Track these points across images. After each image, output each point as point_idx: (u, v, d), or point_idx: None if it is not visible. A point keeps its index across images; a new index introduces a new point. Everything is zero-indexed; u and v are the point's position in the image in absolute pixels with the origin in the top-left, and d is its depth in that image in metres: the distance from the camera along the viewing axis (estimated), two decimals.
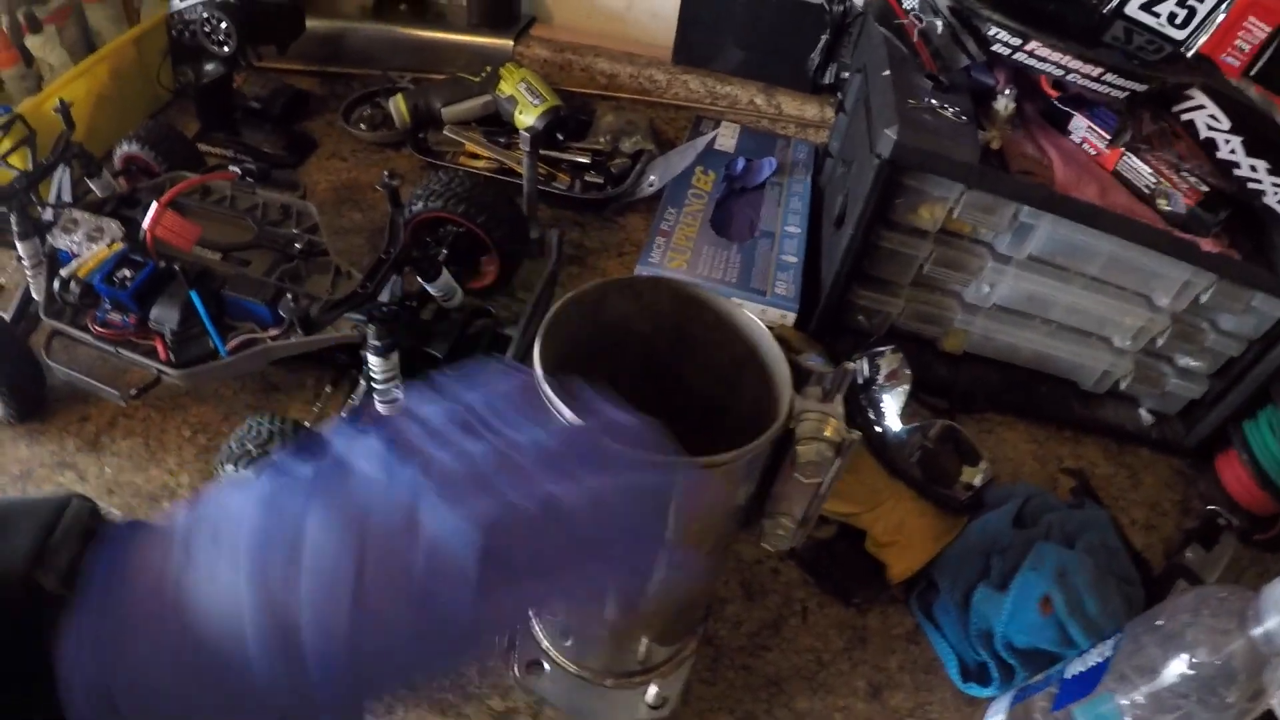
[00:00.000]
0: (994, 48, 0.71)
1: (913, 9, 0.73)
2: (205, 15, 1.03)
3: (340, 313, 0.79)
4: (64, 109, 0.95)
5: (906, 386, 0.83)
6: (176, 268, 0.84)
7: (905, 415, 0.87)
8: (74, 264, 0.86)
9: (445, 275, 0.86)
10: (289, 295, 0.78)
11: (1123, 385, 0.93)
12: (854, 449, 0.49)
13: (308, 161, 1.22)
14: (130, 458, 0.86)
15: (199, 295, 0.81)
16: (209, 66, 1.13)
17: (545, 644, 0.68)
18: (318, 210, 0.93)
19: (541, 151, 1.13)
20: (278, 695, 0.28)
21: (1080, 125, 0.82)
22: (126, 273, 0.84)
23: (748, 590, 0.77)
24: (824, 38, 0.98)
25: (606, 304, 0.56)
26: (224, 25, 1.04)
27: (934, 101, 0.76)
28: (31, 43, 1.09)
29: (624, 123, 1.17)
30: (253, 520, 0.29)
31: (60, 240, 0.88)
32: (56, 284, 0.86)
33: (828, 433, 0.48)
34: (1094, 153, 0.81)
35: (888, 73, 0.79)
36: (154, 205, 0.86)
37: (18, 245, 0.89)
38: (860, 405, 0.85)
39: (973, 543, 0.76)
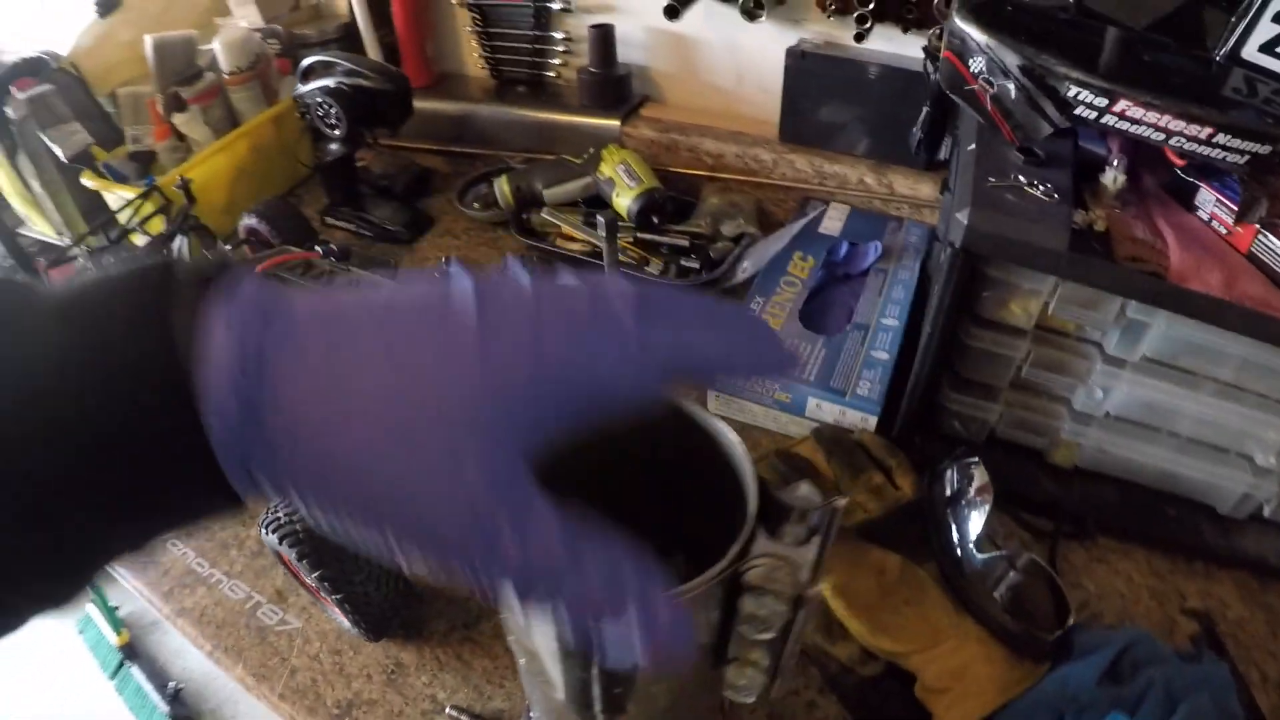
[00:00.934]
0: (1077, 111, 0.61)
1: (980, 73, 0.64)
2: (319, 100, 1.09)
3: None
4: (184, 184, 1.02)
5: (989, 503, 0.73)
6: None
7: (995, 538, 0.78)
8: None
9: None
10: None
11: (1267, 510, 0.78)
12: (816, 602, 0.42)
13: (424, 238, 1.25)
14: None
15: None
16: (332, 146, 1.19)
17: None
18: None
19: (639, 235, 1.10)
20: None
21: (1208, 199, 0.68)
22: None
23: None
24: (925, 108, 0.90)
25: None
26: (334, 110, 1.09)
27: (1021, 179, 0.67)
28: (178, 120, 1.18)
29: (728, 204, 1.13)
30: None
31: None
32: None
33: (779, 585, 0.41)
34: (1224, 231, 0.69)
35: (973, 147, 0.71)
36: None
37: None
38: (943, 523, 0.76)
39: (1045, 698, 0.65)
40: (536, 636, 0.47)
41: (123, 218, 1.11)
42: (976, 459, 0.77)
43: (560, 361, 0.28)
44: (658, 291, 0.31)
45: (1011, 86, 0.60)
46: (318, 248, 0.96)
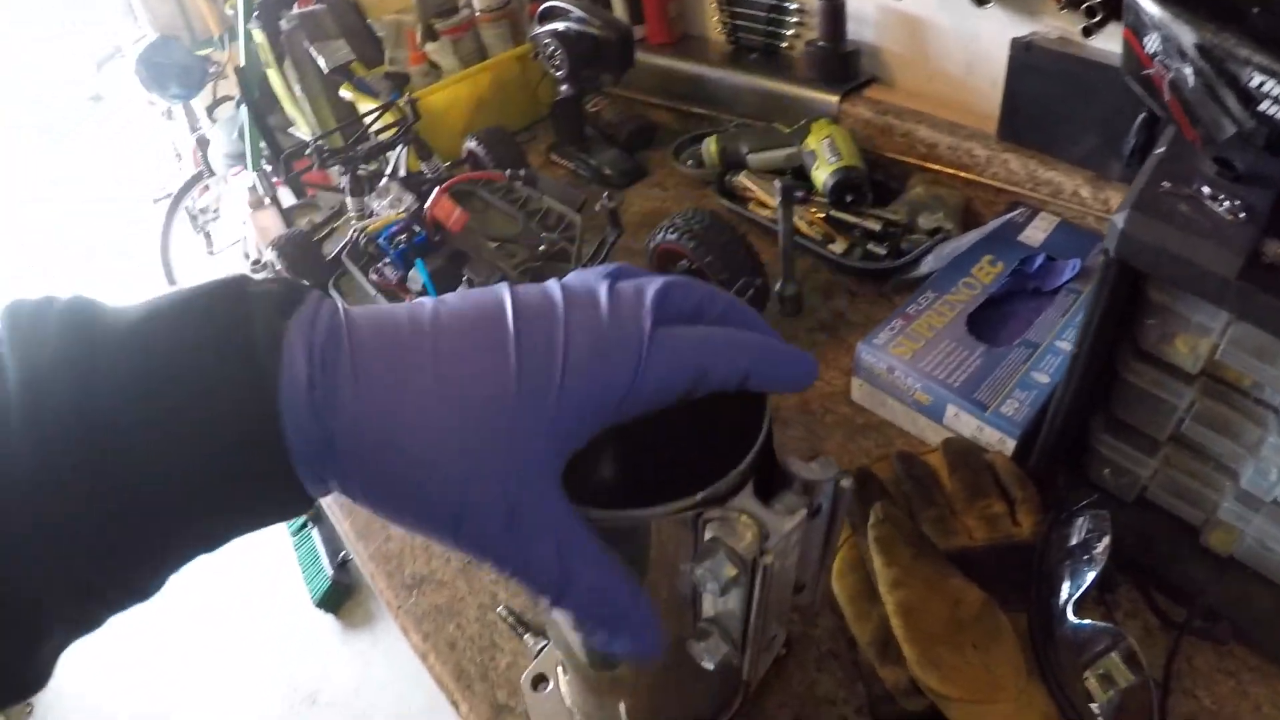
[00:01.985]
0: (1262, 106, 0.51)
1: (1156, 53, 0.55)
2: (547, 41, 1.14)
3: None
4: (412, 103, 1.11)
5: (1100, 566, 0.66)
6: (437, 239, 0.94)
7: (1109, 608, 0.69)
8: (369, 221, 1.00)
9: None
10: (468, 279, 0.83)
11: None
12: (777, 574, 0.39)
13: (634, 186, 1.29)
14: None
15: (426, 266, 0.89)
16: (563, 88, 1.24)
17: (558, 668, 0.65)
18: (612, 228, 0.98)
19: (832, 213, 1.08)
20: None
21: None
22: (403, 237, 0.96)
23: None
24: (1142, 114, 0.79)
25: None
26: (558, 52, 1.14)
27: (1205, 190, 0.58)
28: (431, 49, 1.28)
29: (932, 197, 1.07)
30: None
31: (374, 202, 1.03)
32: (354, 233, 1.00)
33: (735, 540, 0.39)
34: None
35: (1162, 149, 0.62)
36: (435, 190, 0.97)
37: (349, 199, 1.06)
38: (1052, 574, 0.69)
39: None
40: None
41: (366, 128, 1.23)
42: (1107, 513, 0.69)
43: (585, 374, 0.32)
44: (681, 296, 0.35)
45: (1189, 72, 0.52)
46: (508, 172, 1.01)
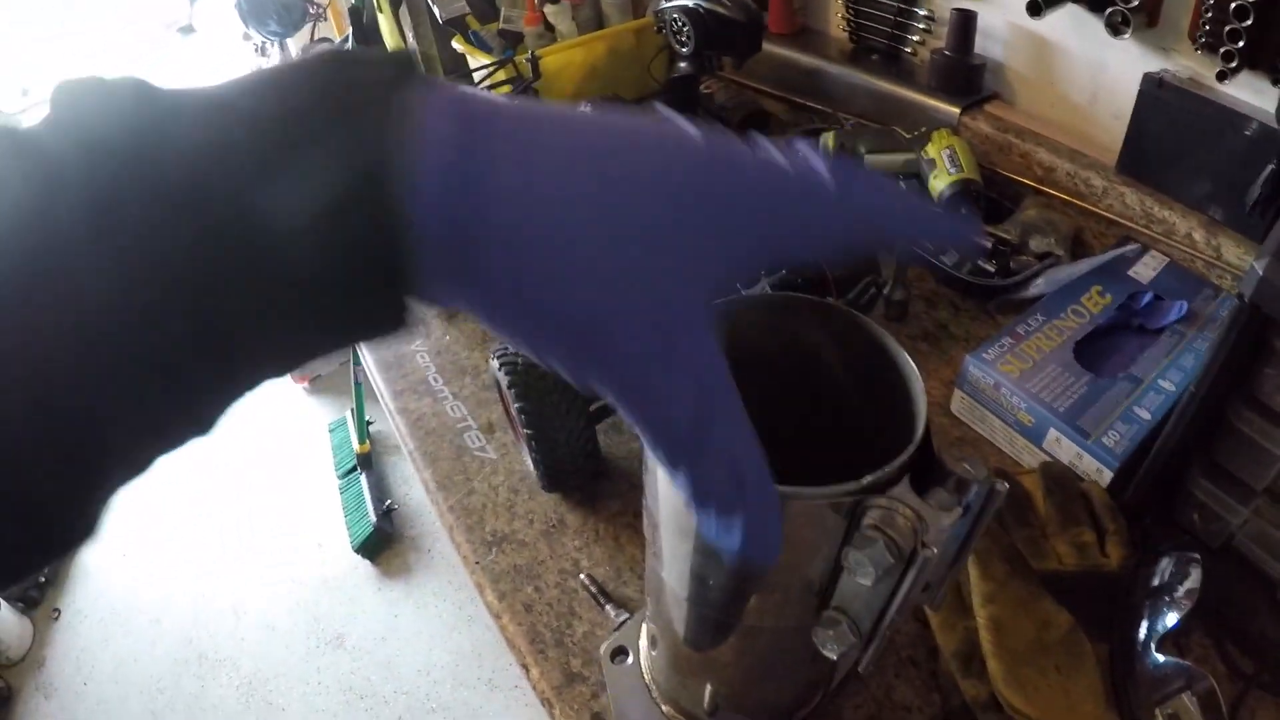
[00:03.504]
0: None
1: None
2: (675, 16, 1.14)
3: None
4: (533, 60, 1.11)
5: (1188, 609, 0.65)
6: None
7: (1183, 649, 0.69)
8: None
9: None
10: None
11: None
12: (933, 569, 0.40)
13: None
14: (465, 337, 0.99)
15: None
16: (681, 64, 1.24)
17: (642, 641, 0.66)
18: None
19: None
20: None
21: None
22: None
23: None
24: (1271, 166, 0.78)
25: (793, 320, 0.52)
26: (686, 27, 1.14)
27: None
28: (549, 11, 1.28)
29: (1045, 221, 1.06)
30: None
31: None
32: None
33: (894, 533, 0.39)
34: None
35: None
36: None
37: None
38: (1135, 610, 0.69)
39: None
40: (662, 509, 0.49)
41: (477, 81, 1.24)
42: (1198, 556, 0.68)
43: (770, 196, 0.29)
44: (859, 170, 0.31)
45: None
46: None
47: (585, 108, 0.28)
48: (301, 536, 2.37)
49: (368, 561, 2.25)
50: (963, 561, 0.48)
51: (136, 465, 0.25)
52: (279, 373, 0.26)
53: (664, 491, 0.47)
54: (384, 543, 2.26)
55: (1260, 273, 0.56)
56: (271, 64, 0.26)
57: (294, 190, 0.22)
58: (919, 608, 0.62)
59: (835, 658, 0.46)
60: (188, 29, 4.62)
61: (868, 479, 0.40)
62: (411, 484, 2.36)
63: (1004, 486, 0.43)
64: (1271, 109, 0.89)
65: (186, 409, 0.25)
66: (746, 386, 0.52)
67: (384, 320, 0.26)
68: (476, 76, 1.23)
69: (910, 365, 0.47)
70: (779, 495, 0.40)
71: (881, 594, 0.43)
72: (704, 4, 1.13)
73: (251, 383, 0.26)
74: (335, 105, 0.23)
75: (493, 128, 0.25)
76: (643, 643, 0.66)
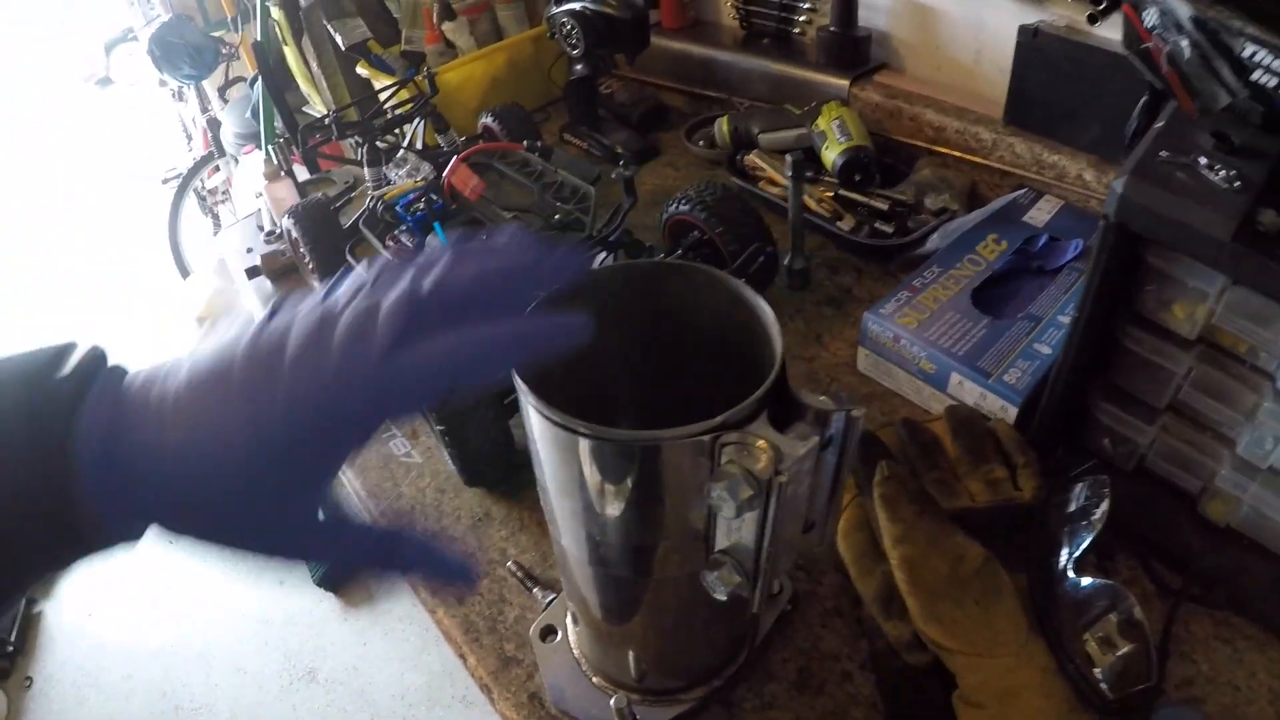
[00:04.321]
0: (1255, 76, 0.53)
1: (1155, 27, 0.57)
2: (564, 20, 1.16)
3: None
4: (429, 76, 1.12)
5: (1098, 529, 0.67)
6: (454, 207, 0.96)
7: (1107, 570, 0.71)
8: (386, 189, 1.02)
9: None
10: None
11: None
12: (789, 500, 0.41)
13: (646, 165, 1.31)
14: None
15: (444, 231, 0.91)
16: (577, 67, 1.26)
17: (567, 619, 0.67)
18: (628, 195, 0.98)
19: (840, 192, 1.10)
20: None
21: None
22: (419, 205, 0.98)
23: (802, 677, 0.67)
24: (1144, 97, 0.81)
25: (661, 283, 0.54)
26: (574, 30, 1.16)
27: (1202, 160, 0.59)
28: (447, 28, 1.30)
29: (939, 179, 1.09)
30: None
31: (391, 172, 1.05)
32: (371, 201, 1.02)
33: (751, 463, 0.41)
34: None
35: (1162, 123, 0.64)
36: (453, 159, 0.99)
37: (366, 170, 1.08)
38: (1053, 538, 0.70)
39: None
40: (546, 472, 0.50)
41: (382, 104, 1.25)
42: (1108, 479, 0.71)
43: (312, 400, 0.33)
44: (442, 292, 0.35)
45: (1185, 44, 0.54)
46: (525, 143, 1.03)
47: (204, 351, 0.35)
48: (261, 577, 2.35)
49: (331, 594, 2.25)
50: (839, 494, 0.50)
51: None
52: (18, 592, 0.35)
53: (545, 456, 0.48)
54: (344, 574, 2.26)
55: (1120, 191, 0.58)
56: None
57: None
58: (817, 547, 0.63)
59: (724, 598, 0.47)
60: (105, 80, 4.57)
61: (720, 417, 0.41)
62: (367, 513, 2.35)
63: (859, 413, 0.45)
64: None
65: None
66: (621, 354, 0.54)
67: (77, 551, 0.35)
68: (382, 97, 1.25)
69: (764, 307, 0.48)
70: (642, 439, 0.41)
71: (753, 529, 0.44)
72: (590, 5, 1.15)
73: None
74: (24, 434, 0.32)
75: (127, 440, 0.33)
76: (568, 620, 0.68)
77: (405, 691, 2.02)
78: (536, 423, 0.45)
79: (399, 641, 2.13)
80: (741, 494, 0.40)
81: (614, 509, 0.47)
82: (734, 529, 0.45)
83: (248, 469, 0.33)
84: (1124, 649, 0.62)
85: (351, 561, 0.40)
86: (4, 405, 0.33)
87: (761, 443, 0.41)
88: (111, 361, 0.36)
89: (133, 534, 0.35)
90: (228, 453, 0.32)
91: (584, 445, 0.43)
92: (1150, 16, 0.55)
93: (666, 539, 0.49)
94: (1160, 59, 0.56)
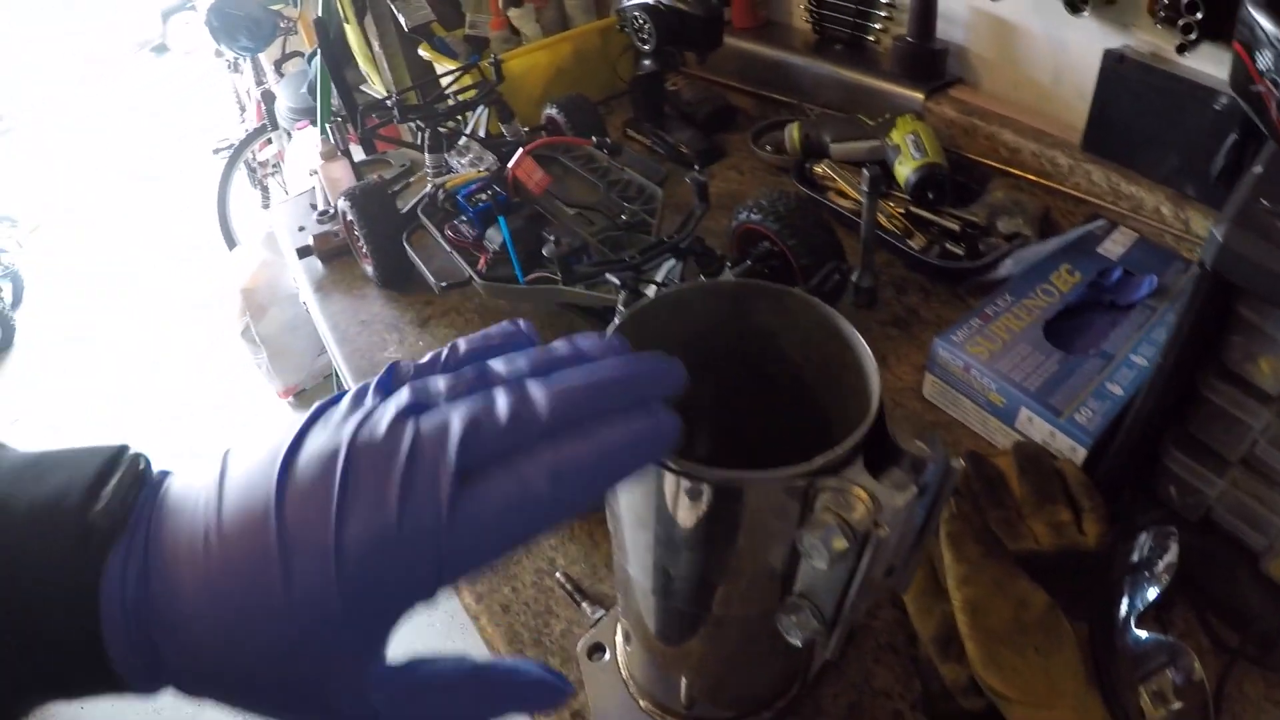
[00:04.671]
0: None
1: (1268, 71, 0.54)
2: (635, 14, 1.14)
3: (600, 271, 0.82)
4: (496, 63, 1.11)
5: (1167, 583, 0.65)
6: (517, 200, 0.94)
7: (1166, 625, 0.69)
8: (448, 177, 1.01)
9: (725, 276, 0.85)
10: (555, 239, 0.83)
11: None
12: (882, 551, 0.39)
13: (710, 167, 1.29)
14: (440, 343, 0.99)
15: (507, 225, 0.89)
16: (645, 62, 1.24)
17: (618, 638, 0.66)
18: (700, 202, 0.95)
19: (912, 209, 1.07)
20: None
21: None
22: (482, 196, 0.97)
23: (853, 713, 0.65)
24: (1232, 136, 0.78)
25: (748, 307, 0.52)
26: (646, 25, 1.14)
27: None
28: (513, 15, 1.28)
29: (1012, 202, 1.06)
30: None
31: (453, 159, 1.03)
32: (432, 188, 1.01)
33: (852, 514, 0.39)
34: None
35: (1260, 168, 0.61)
36: (519, 150, 0.97)
37: (426, 156, 1.07)
38: (1115, 587, 0.68)
39: None
40: (620, 501, 0.49)
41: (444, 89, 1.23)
42: (1175, 530, 0.68)
43: (368, 579, 0.29)
44: (495, 430, 0.29)
45: None
46: (594, 139, 1.01)
47: (234, 482, 0.31)
48: None
49: None
50: (924, 542, 0.48)
51: None
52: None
53: (620, 485, 0.47)
54: None
55: (1220, 239, 0.56)
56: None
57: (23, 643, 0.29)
58: (890, 593, 0.61)
59: (799, 644, 0.45)
60: (161, 48, 4.61)
61: (818, 461, 0.39)
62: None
63: (959, 464, 0.43)
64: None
65: None
66: (702, 375, 0.52)
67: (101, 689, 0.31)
68: (444, 82, 1.23)
69: (862, 344, 0.46)
70: (735, 480, 0.40)
71: (840, 577, 0.42)
72: (664, 1, 1.13)
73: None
74: (50, 585, 0.29)
75: (152, 604, 0.29)
76: (618, 639, 0.66)
77: None
78: None
79: (423, 627, 2.12)
80: (836, 544, 0.38)
81: (692, 545, 0.45)
82: (818, 575, 0.43)
83: (284, 637, 0.29)
84: (1176, 706, 0.60)
85: None
86: (47, 533, 0.30)
87: (859, 491, 0.39)
88: (149, 453, 0.33)
89: (151, 689, 0.31)
90: (261, 622, 0.29)
91: (669, 479, 0.41)
92: (1264, 59, 0.53)
93: (741, 578, 0.48)
94: (1271, 103, 0.54)
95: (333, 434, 0.30)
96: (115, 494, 0.31)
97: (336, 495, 0.28)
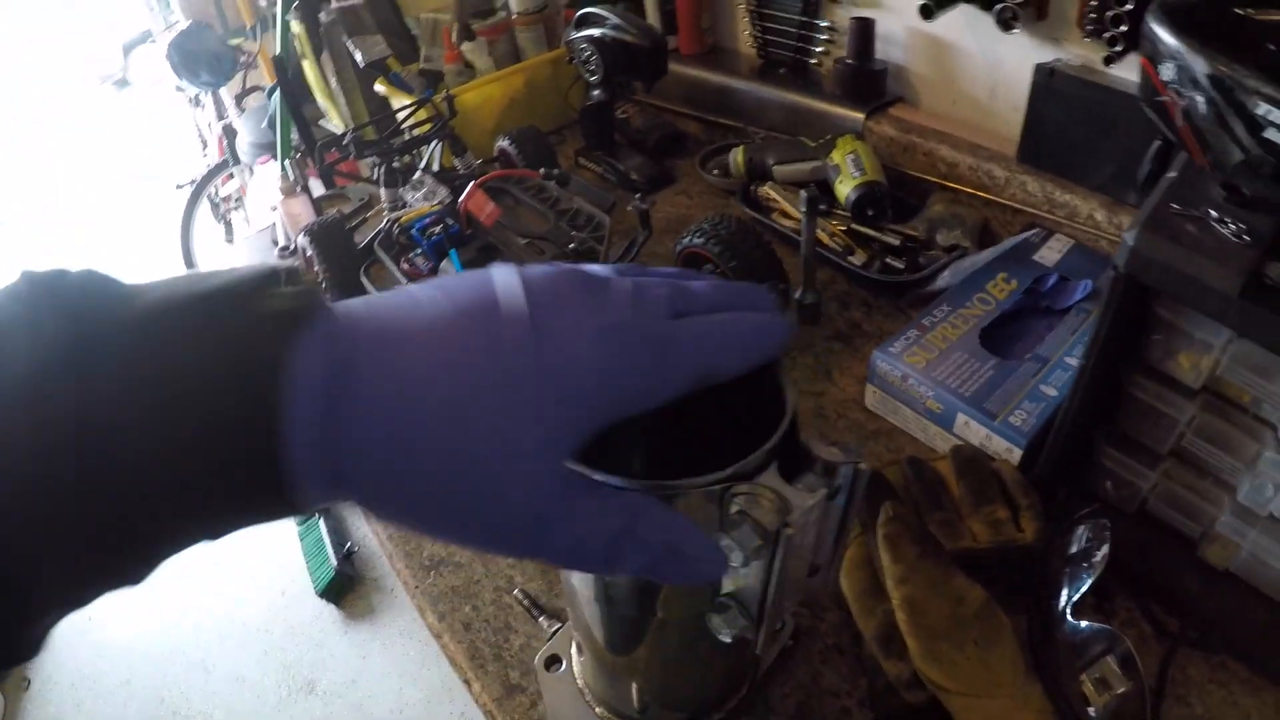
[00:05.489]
0: (1266, 133, 0.53)
1: (1170, 81, 0.58)
2: (583, 47, 1.18)
3: None
4: (449, 99, 1.14)
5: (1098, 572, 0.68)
6: (469, 233, 0.97)
7: (1106, 614, 0.71)
8: (402, 212, 1.03)
9: None
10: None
11: None
12: (796, 549, 0.42)
13: (660, 192, 1.32)
14: None
15: (458, 257, 0.92)
16: (594, 93, 1.27)
17: (572, 649, 0.68)
18: (643, 228, 1.00)
19: (853, 226, 1.11)
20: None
21: None
22: (435, 229, 0.99)
23: (801, 712, 0.67)
24: (1156, 143, 0.82)
25: None
26: (594, 58, 1.17)
27: (1212, 213, 0.60)
28: (466, 48, 1.31)
29: (951, 215, 1.10)
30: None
31: (407, 194, 1.06)
32: (387, 223, 1.03)
33: (760, 513, 0.42)
34: None
35: (1174, 174, 0.65)
36: (470, 184, 1.00)
37: (382, 191, 1.09)
38: (1052, 579, 0.71)
39: None
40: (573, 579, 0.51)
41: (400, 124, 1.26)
42: (1108, 521, 0.71)
43: (605, 370, 0.32)
44: (688, 296, 0.37)
45: (1201, 100, 0.55)
46: (542, 171, 1.04)
47: (437, 295, 0.32)
48: (264, 585, 2.36)
49: (333, 606, 2.25)
50: (844, 542, 0.50)
51: (72, 604, 0.29)
52: (203, 541, 0.31)
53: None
54: (347, 586, 2.26)
55: (1131, 244, 0.59)
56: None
57: (198, 441, 0.27)
58: (821, 592, 0.63)
59: (729, 640, 0.48)
60: (122, 82, 4.60)
61: (732, 469, 0.42)
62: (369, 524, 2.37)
63: (866, 467, 0.45)
64: None
65: (113, 571, 0.29)
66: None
67: (290, 513, 0.30)
68: (399, 116, 1.26)
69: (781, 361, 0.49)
70: (653, 488, 0.42)
71: (760, 576, 0.45)
72: (609, 32, 1.16)
73: (172, 552, 0.30)
74: (230, 363, 0.28)
75: (353, 367, 0.29)
76: (572, 650, 0.68)
77: (404, 707, 2.02)
78: None
79: (399, 656, 2.13)
80: (749, 543, 0.41)
81: None
82: (741, 575, 0.46)
83: (518, 418, 0.30)
84: (1119, 690, 0.63)
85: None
86: (205, 323, 0.28)
87: (769, 494, 0.42)
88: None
89: (321, 498, 0.30)
90: (495, 398, 0.29)
91: None
92: (1167, 71, 0.56)
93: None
94: (1175, 113, 0.57)
95: (537, 269, 0.34)
96: (292, 285, 0.30)
97: (584, 297, 0.33)
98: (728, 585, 0.48)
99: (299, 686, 2.12)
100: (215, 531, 0.30)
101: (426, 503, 0.30)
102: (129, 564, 0.29)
